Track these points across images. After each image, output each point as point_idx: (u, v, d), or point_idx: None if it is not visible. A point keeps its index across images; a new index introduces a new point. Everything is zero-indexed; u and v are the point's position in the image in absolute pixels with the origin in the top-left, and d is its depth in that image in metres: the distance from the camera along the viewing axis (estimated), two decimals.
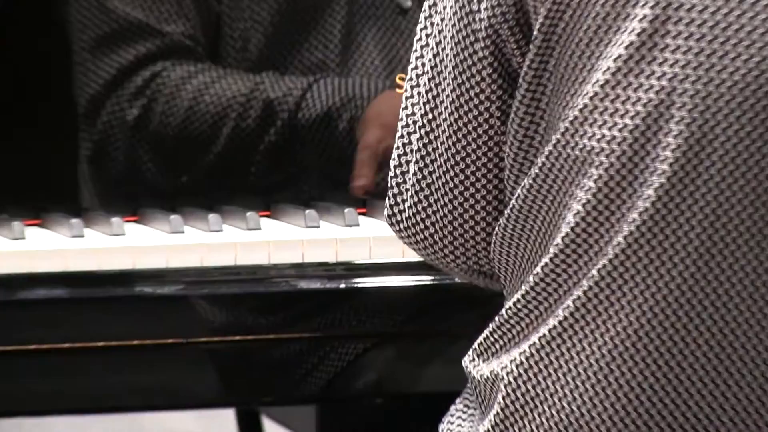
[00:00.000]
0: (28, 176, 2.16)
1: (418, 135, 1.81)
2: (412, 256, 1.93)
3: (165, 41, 2.24)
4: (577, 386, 1.64)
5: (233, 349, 2.07)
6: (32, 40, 2.24)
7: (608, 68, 1.65)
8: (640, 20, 1.62)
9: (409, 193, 1.81)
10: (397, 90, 2.09)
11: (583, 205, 1.65)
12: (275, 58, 2.28)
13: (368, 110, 2.24)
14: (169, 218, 2.04)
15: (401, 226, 1.80)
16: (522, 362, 1.67)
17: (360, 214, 2.08)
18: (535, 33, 1.68)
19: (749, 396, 1.64)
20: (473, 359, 1.72)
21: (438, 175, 1.79)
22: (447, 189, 1.79)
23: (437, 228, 1.80)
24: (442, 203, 1.79)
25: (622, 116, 1.63)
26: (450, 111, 1.79)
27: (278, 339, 2.07)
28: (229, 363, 2.09)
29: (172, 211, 2.06)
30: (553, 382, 1.66)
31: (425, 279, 1.99)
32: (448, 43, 1.80)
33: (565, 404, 1.66)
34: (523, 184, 1.70)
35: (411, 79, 1.81)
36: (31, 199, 2.11)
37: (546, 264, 1.67)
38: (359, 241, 2.05)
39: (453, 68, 1.78)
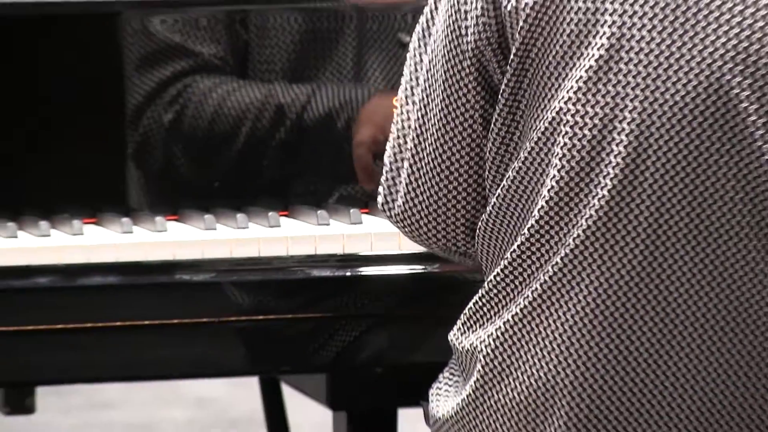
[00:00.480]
0: (85, 181, 2.20)
1: (411, 136, 1.88)
2: (408, 249, 2.10)
3: (197, 60, 2.27)
4: (543, 356, 1.73)
5: (257, 326, 2.12)
6: (91, 60, 2.27)
7: (571, 87, 1.73)
8: (598, 48, 1.71)
9: (402, 185, 1.89)
10: (394, 110, 2.04)
11: (546, 202, 1.74)
12: (295, 80, 2.30)
13: (362, 111, 2.29)
14: (204, 217, 2.12)
15: (393, 212, 1.88)
16: (497, 336, 1.76)
17: (363, 213, 2.15)
18: (512, 56, 1.77)
19: (687, 365, 1.74)
20: (456, 334, 1.82)
21: (426, 170, 1.86)
22: (434, 182, 1.86)
23: (424, 215, 1.87)
24: (429, 194, 1.86)
25: (581, 128, 1.71)
26: (439, 117, 1.86)
27: (294, 318, 2.12)
28: (254, 338, 2.15)
29: (206, 211, 2.13)
30: (524, 353, 1.75)
31: (417, 268, 2.07)
32: (439, 61, 1.85)
33: (533, 371, 1.75)
34: (502, 185, 1.77)
35: (406, 90, 1.90)
36: (89, 200, 2.17)
37: (515, 250, 1.76)
38: (362, 237, 2.11)
39: (443, 81, 1.84)
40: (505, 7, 1.76)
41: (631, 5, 1.72)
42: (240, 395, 4.58)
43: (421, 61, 1.91)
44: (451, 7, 1.84)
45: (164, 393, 4.68)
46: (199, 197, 2.19)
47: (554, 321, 1.74)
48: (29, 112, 2.25)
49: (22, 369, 2.09)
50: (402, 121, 1.91)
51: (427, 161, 1.87)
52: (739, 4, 1.71)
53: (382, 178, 1.92)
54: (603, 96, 1.71)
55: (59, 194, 2.18)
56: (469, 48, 1.81)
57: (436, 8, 1.89)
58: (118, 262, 2.05)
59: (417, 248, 1.98)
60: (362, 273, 2.12)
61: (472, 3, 1.81)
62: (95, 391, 4.51)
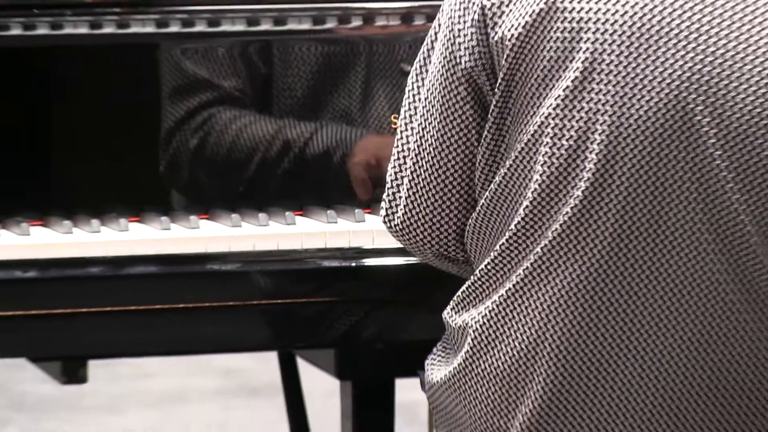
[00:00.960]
0: (131, 185, 2.23)
1: (410, 157, 1.92)
2: None
3: (220, 92, 2.26)
4: (524, 332, 1.80)
5: (276, 309, 2.16)
6: (136, 87, 2.29)
7: (551, 104, 1.79)
8: (574, 71, 1.77)
9: (402, 200, 1.93)
10: (392, 125, 2.21)
11: (530, 202, 1.79)
12: (312, 105, 2.29)
13: (355, 147, 2.30)
14: (231, 216, 2.17)
15: (394, 224, 1.93)
16: (485, 314, 1.82)
17: (366, 213, 2.20)
18: (500, 80, 1.82)
19: (647, 340, 1.80)
20: (450, 313, 1.87)
21: (423, 185, 1.91)
22: (430, 195, 1.90)
23: (421, 224, 1.91)
24: (426, 206, 1.91)
25: (559, 138, 1.78)
26: (436, 137, 1.90)
27: (307, 302, 2.17)
28: (273, 318, 2.20)
29: (232, 211, 2.18)
30: (508, 329, 1.81)
31: (411, 260, 2.09)
32: (436, 88, 1.89)
33: (516, 344, 1.81)
34: (490, 188, 1.83)
35: (405, 118, 1.95)
36: (133, 202, 2.20)
37: (503, 243, 1.81)
38: (366, 233, 2.15)
39: (440, 105, 1.88)
40: (493, 38, 1.82)
41: (603, 34, 1.79)
42: (261, 367, 4.57)
43: (419, 93, 1.95)
44: (447, 40, 1.88)
45: (195, 365, 4.66)
46: (226, 199, 2.22)
47: (535, 302, 1.81)
48: (86, 130, 2.27)
49: (77, 345, 2.13)
50: (402, 145, 1.95)
51: (424, 177, 1.91)
52: (694, 32, 1.79)
53: (384, 195, 1.97)
54: (578, 111, 1.78)
55: (109, 197, 2.21)
56: (465, 73, 1.85)
57: (433, 45, 1.93)
58: (157, 254, 2.11)
59: None
60: (365, 264, 2.15)
61: (465, 36, 1.85)
62: (137, 364, 4.51)
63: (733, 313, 1.81)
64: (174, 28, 2.25)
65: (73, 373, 2.22)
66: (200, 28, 2.27)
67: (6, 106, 2.19)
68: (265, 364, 3.23)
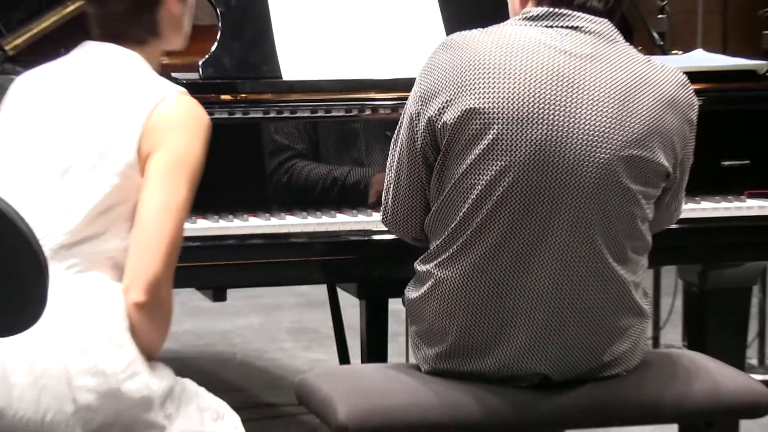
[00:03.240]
0: (256, 197, 2.21)
1: (392, 182, 1.91)
2: None
3: (293, 152, 2.21)
4: (457, 277, 1.81)
5: (327, 261, 2.21)
6: (260, 144, 2.26)
7: (471, 159, 1.77)
8: (484, 143, 1.76)
9: (389, 203, 1.92)
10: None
11: (464, 212, 1.78)
12: (341, 156, 2.26)
13: (372, 179, 2.25)
14: (301, 213, 2.18)
15: (385, 219, 1.96)
16: (437, 266, 1.83)
17: (373, 212, 2.19)
18: (441, 152, 1.80)
19: (528, 278, 1.77)
20: (419, 264, 1.88)
21: (400, 199, 1.90)
22: (403, 205, 1.90)
23: (398, 222, 1.93)
24: (401, 210, 1.91)
25: (480, 175, 1.77)
26: (405, 175, 1.88)
27: (343, 258, 2.21)
28: (326, 267, 2.23)
29: (303, 210, 2.19)
30: (450, 273, 1.82)
31: (396, 238, 2.03)
32: (404, 150, 1.87)
33: (453, 284, 1.82)
34: (437, 203, 1.83)
35: (389, 160, 1.93)
36: (256, 205, 2.19)
37: (448, 232, 1.81)
38: (373, 222, 2.16)
39: (407, 161, 1.87)
40: (436, 125, 1.79)
41: (503, 123, 1.74)
42: (320, 291, 4.20)
43: (395, 148, 1.91)
44: (409, 127, 1.86)
45: (285, 292, 4.18)
46: (299, 204, 2.21)
47: (464, 261, 1.81)
48: (240, 164, 2.24)
49: (221, 279, 2.16)
50: (387, 177, 1.94)
51: (399, 194, 1.91)
52: (550, 114, 1.74)
53: (382, 202, 1.96)
54: (488, 162, 1.77)
55: (242, 203, 2.18)
56: (419, 146, 1.84)
57: (402, 123, 1.89)
58: (264, 233, 2.14)
59: None
60: (373, 238, 2.18)
61: (420, 123, 1.82)
62: (255, 295, 4.00)
63: (574, 263, 1.79)
64: (272, 114, 2.23)
65: (219, 295, 2.19)
66: (285, 114, 2.24)
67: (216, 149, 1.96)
68: (320, 290, 3.09)
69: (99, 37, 1.80)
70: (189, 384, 1.82)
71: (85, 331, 1.69)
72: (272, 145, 2.24)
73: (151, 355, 1.74)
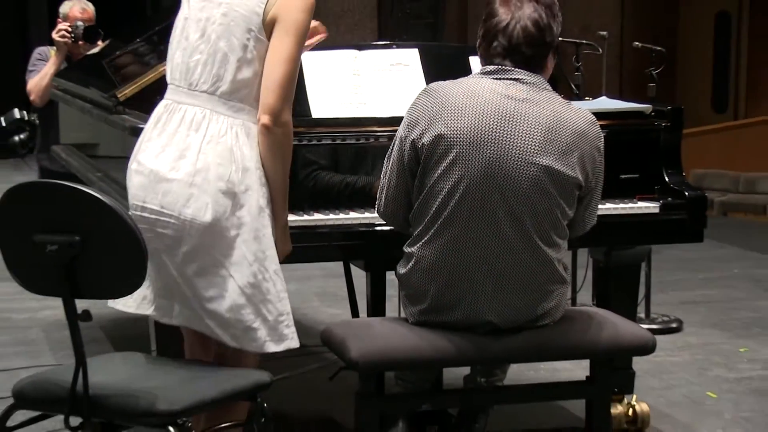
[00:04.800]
0: (302, 199, 2.09)
1: (385, 185, 1.87)
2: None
3: (318, 167, 2.14)
4: (431, 255, 1.79)
5: (343, 245, 2.11)
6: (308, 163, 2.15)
7: (439, 171, 1.75)
8: (449, 159, 1.73)
9: (382, 201, 1.89)
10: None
11: (434, 209, 1.77)
12: (353, 167, 2.17)
13: (374, 185, 2.12)
14: (324, 211, 2.11)
15: (379, 212, 1.92)
16: (419, 248, 1.81)
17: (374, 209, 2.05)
18: (421, 165, 1.79)
19: (480, 249, 1.75)
20: (406, 246, 1.86)
21: (390, 197, 1.87)
22: (393, 202, 1.87)
23: (388, 212, 1.89)
24: (390, 204, 1.87)
25: (445, 182, 1.75)
26: (395, 181, 1.85)
27: (354, 242, 2.11)
28: (342, 248, 2.15)
29: (325, 209, 2.13)
30: (426, 255, 1.81)
31: (390, 228, 2.00)
32: (395, 163, 1.85)
33: (430, 261, 1.80)
34: (418, 202, 1.81)
35: (385, 167, 1.88)
36: (304, 205, 2.10)
37: (425, 222, 1.80)
38: (377, 218, 2.04)
39: (396, 171, 1.85)
40: (417, 145, 1.78)
41: (463, 145, 1.72)
42: (324, 276, 4.19)
43: (389, 162, 1.87)
44: (400, 145, 1.83)
45: (285, 275, 3.64)
46: (324, 204, 2.14)
47: (436, 245, 1.79)
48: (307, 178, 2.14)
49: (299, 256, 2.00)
50: (382, 179, 1.90)
51: (389, 194, 1.87)
52: (494, 139, 1.72)
53: (377, 199, 1.94)
54: (451, 173, 1.75)
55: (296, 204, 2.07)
56: (406, 161, 1.82)
57: (394, 143, 1.85)
58: (298, 225, 2.03)
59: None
60: (375, 229, 2.11)
61: (406, 143, 1.80)
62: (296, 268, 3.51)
63: (514, 245, 1.77)
64: (304, 141, 2.13)
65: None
66: (314, 141, 2.16)
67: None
68: (338, 266, 2.85)
69: None
70: (273, 269, 1.76)
71: (226, 149, 1.71)
72: (304, 162, 2.16)
73: (274, 183, 1.75)
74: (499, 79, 1.79)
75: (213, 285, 1.71)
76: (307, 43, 1.95)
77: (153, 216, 1.72)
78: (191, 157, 1.72)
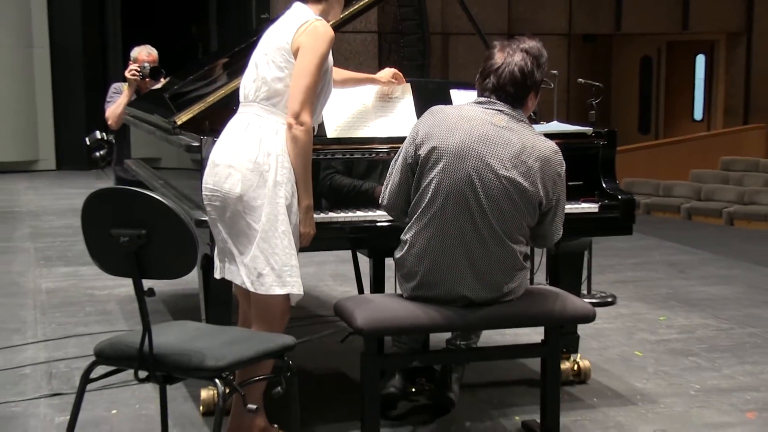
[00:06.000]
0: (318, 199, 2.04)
1: (388, 182, 1.84)
2: (390, 218, 1.98)
3: (333, 172, 2.09)
4: (422, 243, 1.78)
5: (352, 236, 2.07)
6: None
7: (432, 175, 1.73)
8: (439, 166, 1.72)
9: (385, 194, 1.85)
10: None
11: (425, 203, 1.76)
12: (358, 178, 2.12)
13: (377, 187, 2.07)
14: (336, 210, 2.08)
15: (383, 205, 1.87)
16: (412, 236, 1.80)
17: (377, 210, 2.07)
18: (418, 167, 1.78)
19: (456, 236, 1.74)
20: (402, 235, 1.83)
21: (392, 192, 1.84)
22: (395, 196, 1.83)
23: (390, 204, 1.85)
24: (392, 197, 1.84)
25: (437, 185, 1.73)
26: (398, 177, 1.82)
27: (361, 235, 2.07)
28: (351, 239, 2.10)
29: (338, 208, 2.09)
30: (417, 242, 1.78)
31: (392, 220, 1.98)
32: (400, 162, 1.82)
33: (420, 247, 1.78)
34: (414, 197, 1.79)
35: (392, 166, 1.84)
36: (346, 200, 2.07)
37: (417, 214, 1.78)
38: (379, 215, 2.06)
39: (401, 169, 1.81)
40: (418, 153, 1.77)
41: (448, 155, 1.71)
42: (336, 261, 4.04)
43: (395, 163, 1.84)
44: (406, 149, 1.81)
45: (306, 261, 3.03)
46: (337, 204, 2.09)
47: (426, 232, 1.77)
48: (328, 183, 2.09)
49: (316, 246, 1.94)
50: (388, 176, 1.86)
51: (392, 189, 1.84)
52: (476, 151, 1.71)
53: (381, 192, 1.89)
54: (441, 178, 1.74)
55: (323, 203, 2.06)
56: (408, 163, 1.79)
57: (401, 149, 1.82)
58: (317, 221, 1.97)
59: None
60: (377, 225, 2.07)
61: (410, 151, 1.79)
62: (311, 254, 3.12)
63: (485, 241, 1.75)
64: (320, 156, 2.06)
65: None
66: (329, 156, 2.10)
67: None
68: (345, 254, 2.80)
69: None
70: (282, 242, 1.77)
71: (257, 140, 1.78)
72: (322, 172, 2.10)
73: (297, 169, 1.78)
74: (487, 108, 1.80)
75: (245, 243, 1.78)
76: (395, 80, 2.16)
77: (209, 193, 1.82)
78: (233, 146, 1.81)
